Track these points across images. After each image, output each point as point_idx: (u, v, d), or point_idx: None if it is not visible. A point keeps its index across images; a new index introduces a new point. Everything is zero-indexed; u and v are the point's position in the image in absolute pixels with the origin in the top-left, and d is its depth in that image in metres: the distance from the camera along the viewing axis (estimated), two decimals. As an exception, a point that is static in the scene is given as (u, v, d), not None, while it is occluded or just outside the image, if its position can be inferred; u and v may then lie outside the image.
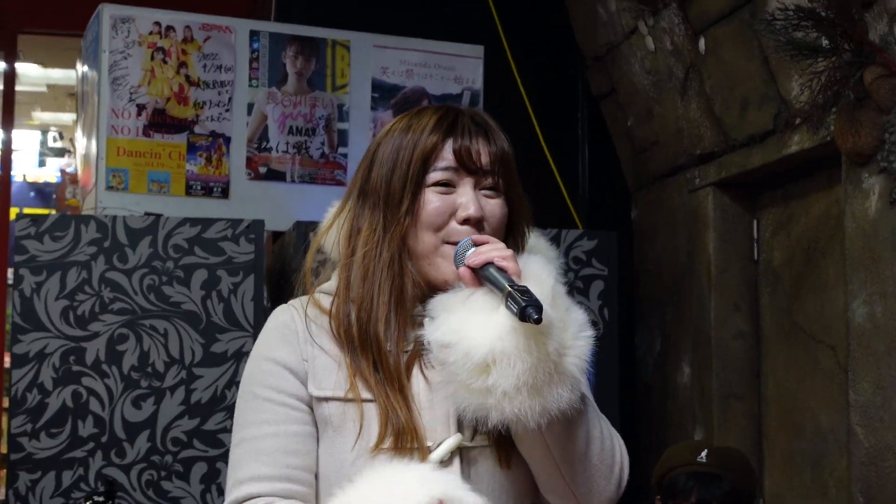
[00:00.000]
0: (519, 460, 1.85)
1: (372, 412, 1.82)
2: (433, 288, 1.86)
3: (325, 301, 1.93)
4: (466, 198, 1.87)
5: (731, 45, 4.21)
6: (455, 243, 1.85)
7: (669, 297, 4.93)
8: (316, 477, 1.86)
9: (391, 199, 1.88)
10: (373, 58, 4.78)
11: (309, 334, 1.89)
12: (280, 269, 4.46)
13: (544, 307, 1.68)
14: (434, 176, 1.88)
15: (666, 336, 4.95)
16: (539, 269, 1.79)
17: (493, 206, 1.90)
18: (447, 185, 1.88)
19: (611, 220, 5.19)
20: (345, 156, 4.70)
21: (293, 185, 4.61)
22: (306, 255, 2.01)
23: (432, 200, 1.87)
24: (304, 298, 1.96)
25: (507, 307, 1.69)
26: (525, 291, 1.68)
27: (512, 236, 1.94)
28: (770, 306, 4.48)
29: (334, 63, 4.72)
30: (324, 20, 4.82)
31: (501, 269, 1.75)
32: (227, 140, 4.54)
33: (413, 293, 1.87)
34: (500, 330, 1.70)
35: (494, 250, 1.78)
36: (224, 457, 3.96)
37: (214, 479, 3.96)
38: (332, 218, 2.00)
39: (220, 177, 4.52)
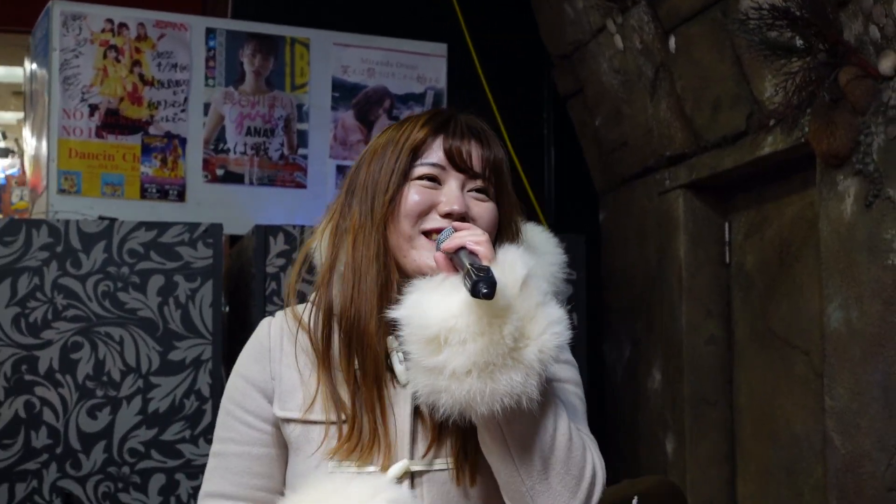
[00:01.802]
0: (485, 480, 1.86)
1: (333, 431, 1.85)
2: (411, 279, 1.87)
3: (306, 312, 1.96)
4: (452, 193, 1.90)
5: (703, 44, 4.27)
6: (430, 232, 1.88)
7: (639, 301, 4.98)
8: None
9: (378, 191, 1.92)
10: (333, 56, 4.82)
11: (280, 351, 1.95)
12: (238, 274, 4.48)
13: (506, 291, 1.70)
14: (420, 169, 1.91)
15: (636, 342, 5.01)
16: (514, 258, 1.79)
17: (483, 209, 1.92)
18: (432, 181, 1.92)
19: (578, 223, 5.24)
20: (304, 157, 4.72)
21: (252, 188, 4.64)
22: (292, 266, 2.04)
23: (414, 193, 1.90)
24: (290, 309, 1.99)
25: (464, 285, 1.70)
26: (483, 269, 1.69)
27: (503, 242, 1.94)
28: (742, 311, 4.54)
29: (293, 62, 4.75)
30: (282, 17, 4.85)
31: (472, 253, 1.77)
32: (183, 141, 4.56)
33: (398, 288, 1.88)
34: (456, 307, 1.71)
35: (470, 235, 1.80)
36: (183, 467, 3.99)
37: (173, 491, 3.98)
38: (322, 228, 2.01)
39: (176, 179, 4.54)
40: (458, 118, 1.97)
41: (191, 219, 4.28)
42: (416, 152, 1.92)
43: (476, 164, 1.93)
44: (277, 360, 1.94)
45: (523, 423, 1.76)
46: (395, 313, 1.75)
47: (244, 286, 4.32)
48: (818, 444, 3.97)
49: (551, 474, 1.78)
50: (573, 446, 1.80)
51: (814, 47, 3.44)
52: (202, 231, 4.11)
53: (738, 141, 4.21)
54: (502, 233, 1.97)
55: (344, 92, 4.80)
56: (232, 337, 4.37)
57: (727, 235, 4.63)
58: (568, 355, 2.05)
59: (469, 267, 1.71)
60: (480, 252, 1.77)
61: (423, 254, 1.88)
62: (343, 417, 1.85)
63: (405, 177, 1.92)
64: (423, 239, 1.89)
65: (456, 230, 1.84)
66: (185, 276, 4.09)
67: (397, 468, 1.84)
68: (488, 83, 5.19)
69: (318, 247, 2.00)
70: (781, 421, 4.25)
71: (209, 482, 1.97)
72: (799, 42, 3.48)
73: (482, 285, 1.66)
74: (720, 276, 4.63)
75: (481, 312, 1.70)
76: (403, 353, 1.79)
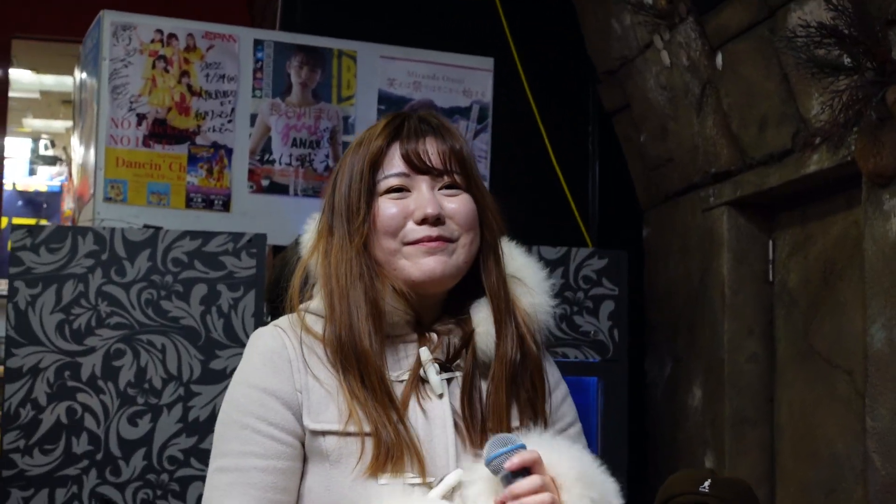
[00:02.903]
0: None
1: (370, 444, 1.82)
2: (403, 292, 1.89)
3: (315, 323, 1.95)
4: (422, 198, 1.90)
5: (750, 61, 4.24)
6: (414, 243, 1.89)
7: (681, 318, 4.95)
8: None
9: (351, 212, 1.92)
10: (380, 69, 4.82)
11: (304, 363, 1.90)
12: (281, 285, 4.47)
13: None
14: (386, 183, 1.91)
15: (677, 359, 4.98)
16: None
17: (458, 204, 1.92)
18: (400, 191, 1.91)
19: (622, 238, 5.21)
20: (349, 169, 4.72)
21: (296, 199, 4.65)
22: (292, 276, 2.04)
23: (386, 207, 1.90)
24: (292, 319, 1.97)
25: None
26: None
27: (482, 232, 1.96)
28: (785, 329, 4.51)
29: (340, 74, 4.76)
30: (329, 30, 4.85)
31: None
32: (229, 152, 4.58)
33: (389, 304, 1.89)
34: None
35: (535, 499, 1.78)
36: (222, 477, 3.98)
37: (212, 500, 3.98)
38: (313, 245, 2.02)
39: (222, 189, 4.55)
40: (411, 120, 1.96)
41: (235, 229, 4.28)
42: (375, 166, 1.92)
43: (436, 161, 1.92)
44: (303, 372, 1.89)
45: None
46: None
47: (285, 297, 4.31)
48: (859, 465, 3.93)
49: None
50: None
51: (862, 66, 3.42)
52: (246, 241, 4.12)
53: (783, 159, 4.18)
54: (483, 225, 1.96)
55: (390, 104, 4.80)
56: (274, 347, 4.37)
57: (771, 253, 4.59)
58: (563, 384, 2.09)
59: None
60: None
61: (410, 264, 1.89)
62: (375, 430, 1.83)
63: (372, 194, 1.92)
64: (408, 248, 1.89)
65: (522, 465, 1.78)
66: (227, 286, 4.10)
67: (451, 479, 1.82)
68: (534, 98, 5.18)
69: (316, 262, 1.99)
70: (822, 441, 4.21)
71: (228, 498, 1.85)
72: (847, 60, 3.46)
73: None
74: (763, 293, 4.59)
75: None
76: (437, 363, 1.79)
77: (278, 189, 4.63)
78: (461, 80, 4.93)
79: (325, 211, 1.99)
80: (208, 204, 4.53)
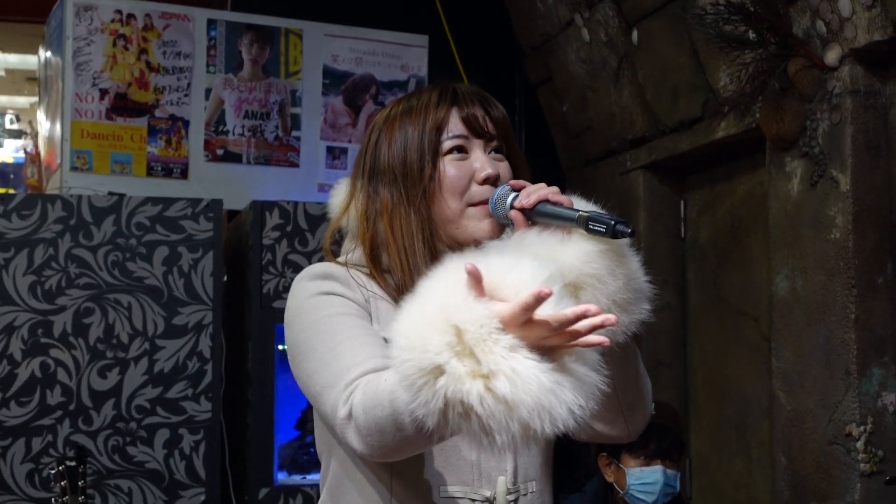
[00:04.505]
0: None
1: None
2: (462, 249, 1.83)
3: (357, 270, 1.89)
4: (482, 160, 1.87)
5: (663, 37, 4.26)
6: (477, 204, 1.85)
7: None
8: None
9: (409, 173, 1.87)
10: (324, 46, 4.78)
11: (366, 289, 1.85)
12: (237, 246, 4.45)
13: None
14: (448, 144, 1.87)
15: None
16: (586, 203, 1.76)
17: (504, 168, 1.89)
18: (461, 152, 1.88)
19: (547, 200, 5.22)
20: (297, 139, 4.69)
21: (249, 167, 4.61)
22: (325, 234, 1.98)
23: (451, 168, 1.87)
24: (342, 266, 1.90)
25: (591, 230, 1.64)
26: (602, 214, 1.64)
27: None
28: (696, 281, 4.55)
29: (287, 51, 4.72)
30: (277, 10, 4.81)
31: (557, 203, 1.72)
32: (186, 123, 4.53)
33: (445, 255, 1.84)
34: (584, 252, 1.67)
35: (543, 188, 1.76)
36: (186, 423, 3.96)
37: (177, 445, 3.96)
38: (347, 200, 1.96)
39: (180, 158, 4.51)
40: (461, 87, 1.94)
41: (193, 195, 4.25)
42: (440, 129, 1.88)
43: (490, 127, 1.90)
44: (365, 289, 1.85)
45: (628, 348, 1.82)
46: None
47: (242, 257, 4.29)
48: (765, 402, 3.99)
49: (640, 389, 1.92)
50: (643, 367, 1.93)
51: (766, 40, 3.44)
52: (203, 206, 4.09)
53: (693, 126, 4.20)
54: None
55: (334, 79, 4.77)
56: (230, 303, 4.35)
57: (682, 212, 4.63)
58: None
59: (587, 214, 1.64)
60: (565, 201, 1.72)
61: (476, 223, 1.85)
62: None
63: (437, 154, 1.87)
64: (472, 209, 1.86)
65: (515, 188, 1.80)
66: (187, 248, 4.07)
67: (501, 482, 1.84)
68: (465, 72, 5.16)
69: (349, 220, 1.94)
70: (732, 381, 4.26)
71: (345, 357, 1.71)
72: (752, 35, 3.48)
73: (622, 227, 1.61)
74: (676, 248, 4.63)
75: (613, 254, 1.68)
76: None
77: (232, 158, 4.59)
78: (399, 55, 4.91)
79: (358, 175, 1.94)
80: (168, 172, 4.48)
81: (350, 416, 1.64)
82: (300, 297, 1.85)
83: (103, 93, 4.41)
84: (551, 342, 1.49)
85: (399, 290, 1.80)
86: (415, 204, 1.86)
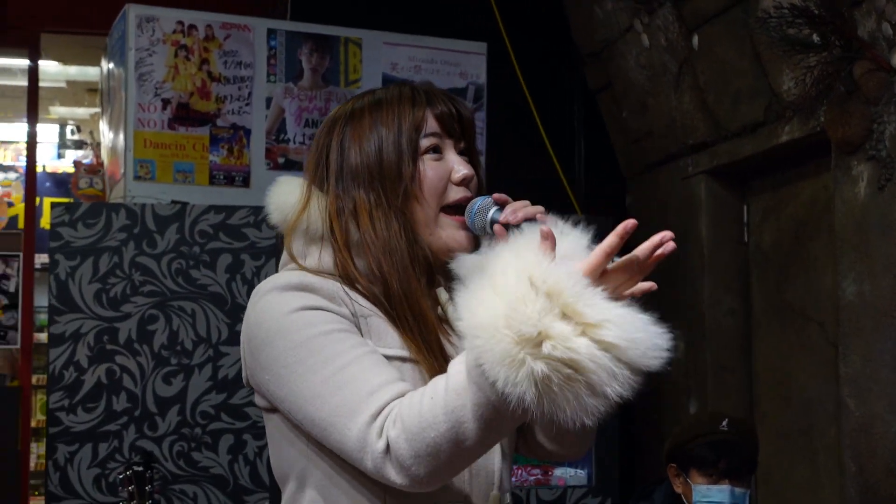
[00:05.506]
0: None
1: (425, 374, 1.72)
2: (435, 256, 1.81)
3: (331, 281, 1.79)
4: (456, 161, 1.84)
5: (724, 41, 4.23)
6: (451, 207, 1.81)
7: (664, 277, 4.95)
8: None
9: (387, 173, 1.80)
10: (383, 54, 4.80)
11: (350, 299, 1.75)
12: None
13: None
14: (425, 143, 1.82)
15: (661, 315, 4.97)
16: (564, 226, 1.70)
17: (472, 169, 1.85)
18: (436, 152, 1.83)
19: (606, 206, 5.21)
20: (357, 147, 4.71)
21: (309, 175, 4.63)
22: (286, 238, 1.90)
23: (429, 168, 1.81)
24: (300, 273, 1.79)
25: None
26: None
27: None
28: (759, 285, 4.52)
29: (347, 59, 4.74)
30: (336, 19, 4.83)
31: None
32: (248, 132, 4.56)
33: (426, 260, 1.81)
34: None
35: (530, 207, 1.73)
36: (250, 429, 3.99)
37: (241, 450, 3.98)
38: (304, 201, 1.88)
39: (242, 167, 4.54)
40: (428, 86, 1.89)
41: (255, 203, 4.27)
42: (419, 128, 1.82)
43: (459, 127, 1.86)
44: (351, 305, 1.73)
45: None
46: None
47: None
48: (831, 408, 3.95)
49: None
50: None
51: (830, 43, 3.42)
52: (265, 214, 4.10)
53: (756, 130, 4.18)
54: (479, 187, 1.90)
55: (393, 87, 4.79)
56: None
57: (745, 217, 4.60)
58: None
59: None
60: (549, 222, 1.67)
61: (449, 232, 1.81)
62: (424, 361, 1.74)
63: (416, 153, 1.81)
64: (446, 218, 1.81)
65: (499, 202, 1.77)
66: (250, 255, 4.10)
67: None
68: (524, 79, 5.17)
69: (307, 225, 1.85)
70: (796, 386, 4.23)
71: (361, 383, 1.63)
72: (816, 38, 3.46)
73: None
74: (739, 253, 4.60)
75: None
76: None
77: (293, 166, 4.61)
78: (458, 63, 4.91)
79: (319, 175, 1.87)
80: (230, 180, 4.51)
81: (387, 450, 1.57)
82: (277, 311, 1.72)
83: (165, 103, 4.45)
84: (622, 289, 1.59)
85: (384, 293, 1.76)
86: (395, 205, 1.79)
